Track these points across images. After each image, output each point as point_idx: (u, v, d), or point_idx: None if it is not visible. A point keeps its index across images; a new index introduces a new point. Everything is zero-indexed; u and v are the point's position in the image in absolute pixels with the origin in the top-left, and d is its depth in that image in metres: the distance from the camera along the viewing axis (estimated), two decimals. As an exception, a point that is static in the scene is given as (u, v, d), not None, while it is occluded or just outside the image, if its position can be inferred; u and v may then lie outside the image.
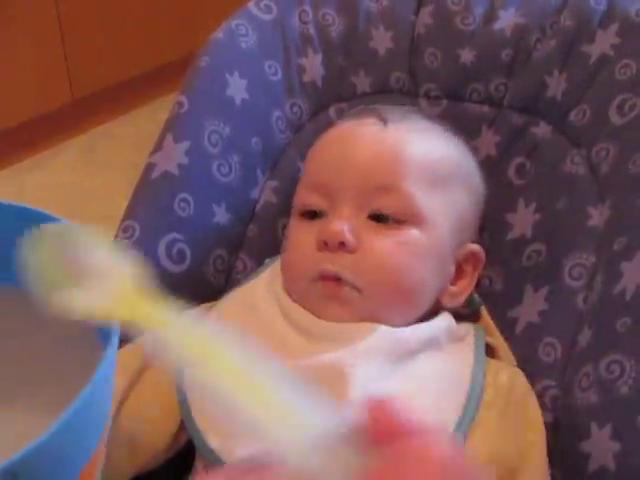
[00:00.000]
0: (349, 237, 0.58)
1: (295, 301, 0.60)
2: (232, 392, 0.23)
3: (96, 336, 0.42)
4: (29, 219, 0.40)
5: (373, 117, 0.64)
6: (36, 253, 0.35)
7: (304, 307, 0.59)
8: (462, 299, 0.63)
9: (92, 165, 1.81)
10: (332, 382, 0.54)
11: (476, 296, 0.66)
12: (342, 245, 0.58)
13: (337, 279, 0.58)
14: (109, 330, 0.36)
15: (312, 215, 0.62)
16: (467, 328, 0.61)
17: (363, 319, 0.57)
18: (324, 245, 0.58)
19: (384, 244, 0.58)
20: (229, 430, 0.52)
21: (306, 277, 0.59)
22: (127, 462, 0.57)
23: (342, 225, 0.58)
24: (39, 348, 0.45)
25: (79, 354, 0.43)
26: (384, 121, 0.63)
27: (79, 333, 0.42)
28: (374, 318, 0.57)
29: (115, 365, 0.38)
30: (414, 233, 0.59)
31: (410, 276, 0.59)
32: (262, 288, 0.63)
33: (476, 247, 0.65)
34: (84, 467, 0.36)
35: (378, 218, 0.59)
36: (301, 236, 0.62)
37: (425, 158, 0.62)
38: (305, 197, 0.63)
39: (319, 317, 0.58)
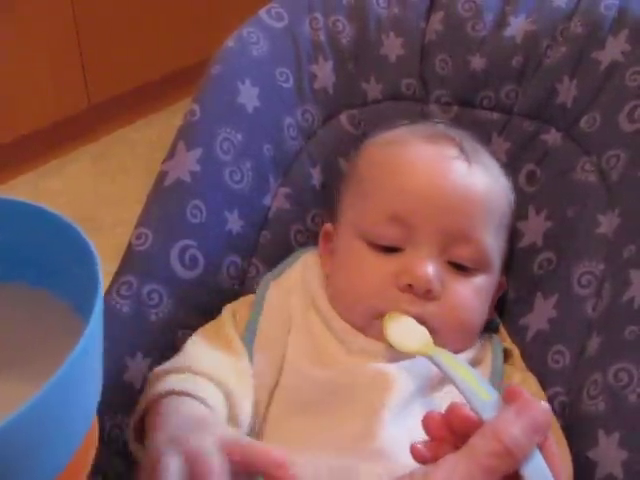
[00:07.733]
0: (437, 285, 0.59)
1: (342, 319, 0.62)
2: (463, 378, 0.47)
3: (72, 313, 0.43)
4: (45, 220, 0.41)
5: (453, 147, 0.64)
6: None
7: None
8: (485, 322, 0.65)
9: (107, 171, 1.82)
10: (374, 387, 0.55)
11: (496, 316, 0.68)
12: (429, 292, 0.59)
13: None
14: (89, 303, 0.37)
15: (387, 247, 0.62)
16: (485, 348, 0.63)
17: None
18: (408, 287, 0.59)
19: (465, 293, 0.61)
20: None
21: (375, 312, 0.60)
22: None
23: (428, 270, 0.59)
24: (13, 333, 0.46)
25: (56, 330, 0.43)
26: (467, 156, 0.63)
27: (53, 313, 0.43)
28: None
29: (101, 330, 0.38)
30: (484, 279, 0.62)
31: (480, 319, 0.63)
32: (297, 290, 0.65)
33: (504, 279, 0.67)
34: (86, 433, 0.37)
35: (457, 266, 0.61)
36: (373, 267, 0.61)
37: (499, 206, 0.64)
38: (383, 228, 0.62)
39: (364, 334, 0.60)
